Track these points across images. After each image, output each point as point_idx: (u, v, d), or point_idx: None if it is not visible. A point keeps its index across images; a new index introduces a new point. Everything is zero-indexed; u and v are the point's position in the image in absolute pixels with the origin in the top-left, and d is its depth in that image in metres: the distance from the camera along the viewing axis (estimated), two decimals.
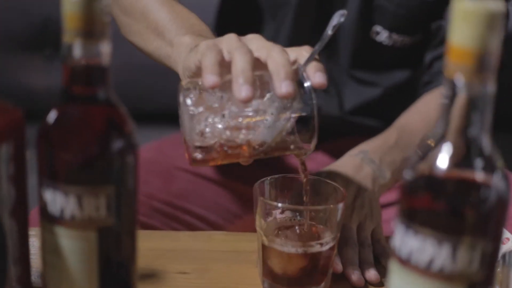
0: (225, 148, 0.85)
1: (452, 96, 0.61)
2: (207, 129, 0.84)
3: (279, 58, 0.85)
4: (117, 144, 0.68)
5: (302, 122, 0.86)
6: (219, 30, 1.40)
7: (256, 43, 0.88)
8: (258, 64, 0.85)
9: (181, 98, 0.85)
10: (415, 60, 1.31)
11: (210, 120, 0.84)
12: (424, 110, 1.22)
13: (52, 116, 0.68)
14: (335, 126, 1.33)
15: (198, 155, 0.86)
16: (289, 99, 0.84)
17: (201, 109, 0.84)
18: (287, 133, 0.86)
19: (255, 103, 0.84)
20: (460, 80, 0.60)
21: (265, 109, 0.85)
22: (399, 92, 1.33)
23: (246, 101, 0.81)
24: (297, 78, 0.86)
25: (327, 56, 1.28)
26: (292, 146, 0.87)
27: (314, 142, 0.87)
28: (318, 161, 1.32)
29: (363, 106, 1.31)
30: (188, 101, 0.84)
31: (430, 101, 1.23)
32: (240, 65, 0.83)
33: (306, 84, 0.86)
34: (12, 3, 1.78)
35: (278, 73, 0.83)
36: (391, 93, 1.32)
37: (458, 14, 0.59)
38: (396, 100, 1.32)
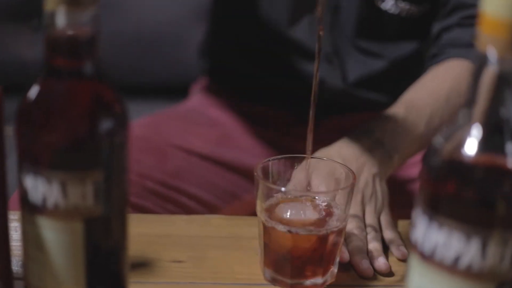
0: None
1: (482, 72, 0.55)
2: None
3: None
4: (106, 124, 0.61)
5: None
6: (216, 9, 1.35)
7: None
8: None
9: None
10: (422, 32, 1.27)
11: None
12: (432, 84, 1.17)
13: (33, 93, 0.61)
14: (338, 99, 1.28)
15: None
16: None
17: None
18: None
19: None
20: (492, 53, 0.54)
21: None
22: (405, 65, 1.28)
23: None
24: None
25: (330, 24, 1.23)
26: None
27: None
28: (320, 138, 1.26)
29: (367, 78, 1.27)
30: None
31: (438, 75, 1.18)
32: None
33: None
34: None
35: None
36: (396, 65, 1.28)
37: None
38: (402, 73, 1.28)
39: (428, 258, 0.57)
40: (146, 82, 1.78)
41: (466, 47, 1.13)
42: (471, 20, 1.15)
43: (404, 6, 1.22)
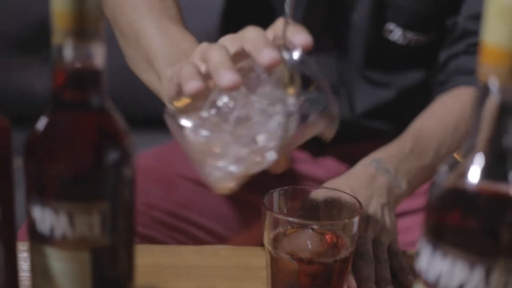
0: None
1: (485, 102, 0.55)
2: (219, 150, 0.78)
3: (253, 35, 0.81)
4: (112, 155, 0.61)
5: (316, 101, 0.81)
6: (225, 29, 1.35)
7: (243, 36, 0.84)
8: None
9: (174, 124, 0.79)
10: (430, 60, 1.27)
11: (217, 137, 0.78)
12: (440, 113, 1.16)
13: (40, 124, 0.62)
14: (345, 129, 1.27)
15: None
16: (287, 81, 0.78)
17: (204, 132, 0.78)
18: (306, 117, 0.80)
19: (257, 105, 0.78)
20: (494, 83, 0.54)
21: (271, 103, 0.78)
22: (413, 94, 1.28)
23: (234, 87, 0.76)
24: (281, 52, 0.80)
25: (338, 55, 1.24)
26: (316, 126, 0.81)
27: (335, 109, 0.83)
28: (328, 168, 1.27)
29: (376, 109, 1.27)
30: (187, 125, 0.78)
31: (446, 103, 1.18)
32: (215, 59, 0.78)
33: (295, 53, 0.80)
34: (7, 4, 1.74)
35: (256, 46, 0.79)
36: (404, 95, 1.28)
37: (493, 10, 0.53)
38: (410, 103, 1.28)
39: (432, 286, 0.57)
40: (153, 113, 1.77)
41: (474, 74, 1.13)
42: (478, 47, 1.15)
43: (412, 36, 1.22)
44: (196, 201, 1.21)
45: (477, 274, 0.55)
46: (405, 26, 1.21)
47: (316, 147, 1.28)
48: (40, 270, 0.63)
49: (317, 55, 1.23)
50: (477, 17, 1.17)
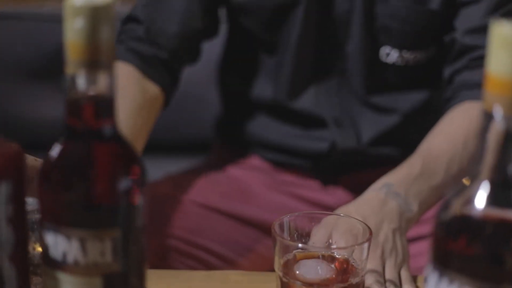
0: None
1: (490, 129, 0.56)
2: None
3: None
4: (124, 184, 0.62)
5: None
6: (224, 68, 1.37)
7: None
8: None
9: None
10: (432, 78, 1.26)
11: None
12: (449, 130, 1.16)
13: (54, 152, 0.63)
14: (353, 158, 1.28)
15: None
16: None
17: None
18: None
19: None
20: (498, 112, 0.55)
21: None
22: (418, 117, 1.28)
23: None
24: None
25: (337, 87, 1.24)
26: None
27: None
28: (338, 197, 1.27)
29: (382, 135, 1.27)
30: None
31: (454, 119, 1.17)
32: None
33: None
34: (23, 32, 1.76)
35: None
36: (409, 118, 1.28)
37: (497, 41, 0.54)
38: (416, 125, 1.28)
39: None
40: (166, 140, 1.79)
41: (479, 88, 1.13)
42: (480, 61, 1.14)
43: (409, 55, 1.22)
44: (207, 227, 1.22)
45: None
46: (400, 47, 1.22)
47: (326, 175, 1.29)
48: None
49: (317, 88, 1.25)
50: (473, 31, 1.16)
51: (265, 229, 1.23)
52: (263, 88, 1.28)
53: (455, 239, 0.57)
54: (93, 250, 0.62)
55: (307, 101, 1.25)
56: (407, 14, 1.19)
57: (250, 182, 1.30)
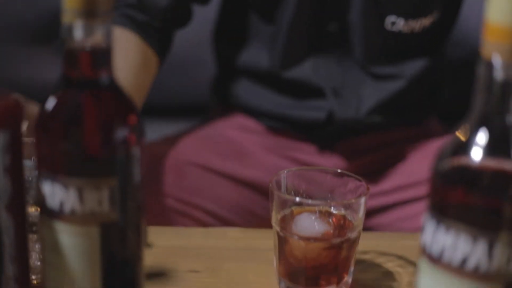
0: None
1: (488, 79, 0.55)
2: None
3: None
4: (121, 132, 0.62)
5: None
6: (219, 34, 1.36)
7: None
8: None
9: None
10: (435, 43, 1.26)
11: None
12: None
13: (50, 103, 0.62)
14: (352, 126, 1.28)
15: None
16: None
17: None
18: None
19: None
20: (497, 60, 0.55)
21: None
22: (420, 82, 1.27)
23: None
24: None
25: (339, 56, 1.23)
26: None
27: None
28: (334, 161, 1.28)
29: (385, 103, 1.26)
30: None
31: None
32: None
33: None
34: None
35: None
36: (412, 84, 1.27)
37: None
38: (418, 91, 1.27)
39: (437, 260, 0.57)
40: (164, 103, 1.79)
41: None
42: None
43: (415, 23, 1.21)
44: (203, 187, 1.22)
45: (480, 247, 0.55)
46: (406, 15, 1.20)
47: (322, 141, 1.29)
48: (50, 245, 0.64)
49: (316, 58, 1.24)
50: None
51: (261, 190, 1.23)
52: (258, 57, 1.27)
53: (453, 188, 0.57)
54: (90, 199, 0.62)
55: (304, 71, 1.24)
56: None
57: (247, 143, 1.30)
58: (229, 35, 1.36)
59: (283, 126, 1.29)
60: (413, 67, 1.26)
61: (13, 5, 1.77)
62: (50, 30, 1.71)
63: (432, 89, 1.29)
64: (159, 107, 1.72)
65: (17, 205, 0.66)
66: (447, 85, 1.36)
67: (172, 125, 1.51)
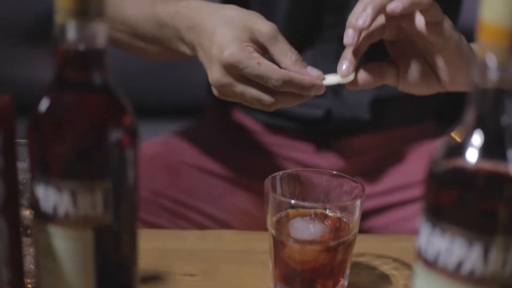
0: None
1: (483, 80, 0.55)
2: None
3: None
4: (115, 134, 0.62)
5: None
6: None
7: None
8: None
9: None
10: None
11: None
12: None
13: (43, 104, 0.62)
14: (349, 125, 1.27)
15: None
16: None
17: None
18: None
19: None
20: (492, 61, 0.54)
21: None
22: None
23: None
24: None
25: (338, 52, 1.22)
26: None
27: None
28: (330, 160, 1.27)
29: (381, 103, 1.25)
30: None
31: None
32: None
33: None
34: None
35: None
36: None
37: None
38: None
39: (432, 264, 0.57)
40: (159, 102, 1.79)
41: None
42: None
43: None
44: (200, 189, 1.22)
45: (475, 251, 0.55)
46: None
47: (319, 140, 1.28)
48: (43, 249, 0.64)
49: (313, 54, 1.23)
50: None
51: (257, 191, 1.23)
52: None
53: (448, 191, 0.57)
54: (84, 202, 0.62)
55: None
56: None
57: (243, 143, 1.30)
58: None
59: (280, 123, 1.29)
60: None
61: (8, 4, 1.77)
62: (45, 29, 1.71)
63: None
64: (154, 107, 1.71)
65: (11, 209, 0.66)
66: None
67: (168, 125, 1.51)
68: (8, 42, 1.77)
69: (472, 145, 0.56)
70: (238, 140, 1.30)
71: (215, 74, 0.91)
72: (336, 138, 1.27)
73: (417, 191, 1.19)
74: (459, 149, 0.56)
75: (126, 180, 0.64)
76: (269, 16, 1.22)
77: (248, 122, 1.31)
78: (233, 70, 0.89)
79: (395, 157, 1.28)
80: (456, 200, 0.57)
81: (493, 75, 0.55)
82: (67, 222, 0.62)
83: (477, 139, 0.56)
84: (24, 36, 1.77)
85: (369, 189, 1.23)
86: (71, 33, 0.60)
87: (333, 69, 1.22)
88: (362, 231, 0.90)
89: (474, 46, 0.97)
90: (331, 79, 0.92)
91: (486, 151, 0.56)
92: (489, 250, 0.55)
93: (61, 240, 0.63)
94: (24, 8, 1.75)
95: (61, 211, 0.62)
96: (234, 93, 0.90)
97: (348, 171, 1.13)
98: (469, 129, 0.56)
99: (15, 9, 1.76)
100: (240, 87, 0.90)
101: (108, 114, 0.63)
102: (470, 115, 0.56)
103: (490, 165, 0.56)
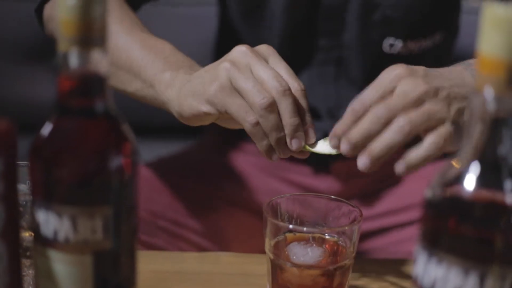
0: None
1: (481, 111, 0.56)
2: None
3: None
4: (116, 161, 0.62)
5: None
6: (217, 52, 1.36)
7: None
8: None
9: None
10: (436, 66, 1.25)
11: None
12: None
13: (45, 130, 0.63)
14: None
15: None
16: None
17: None
18: None
19: None
20: (490, 93, 0.55)
21: None
22: None
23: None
24: None
25: (335, 75, 1.22)
26: None
27: None
28: (329, 183, 1.27)
29: None
30: None
31: None
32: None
33: None
34: (17, 12, 1.75)
35: None
36: None
37: (488, 20, 0.54)
38: None
39: None
40: (159, 123, 1.79)
41: None
42: None
43: (415, 44, 1.20)
44: (198, 209, 1.22)
45: (472, 280, 0.55)
46: (405, 37, 1.19)
47: (317, 162, 1.28)
48: (43, 273, 0.64)
49: (310, 77, 1.23)
50: None
51: (256, 212, 1.23)
52: None
53: (444, 220, 0.57)
54: (84, 227, 0.62)
55: None
56: (411, 2, 1.17)
57: (242, 165, 1.30)
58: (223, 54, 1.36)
59: None
60: None
61: (9, 22, 1.77)
62: (45, 48, 1.71)
63: None
64: (153, 127, 1.72)
65: (11, 232, 0.66)
66: None
67: (166, 145, 1.51)
68: (10, 62, 1.78)
69: (469, 175, 0.56)
70: (236, 162, 1.31)
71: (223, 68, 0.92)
72: (333, 160, 1.28)
73: (415, 213, 1.20)
74: (456, 178, 0.57)
75: (126, 205, 0.64)
76: (264, 38, 1.23)
77: (247, 144, 1.32)
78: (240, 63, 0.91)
79: (392, 179, 1.29)
80: (453, 229, 0.57)
81: (490, 106, 0.55)
82: (67, 247, 0.63)
83: (474, 168, 0.56)
84: (26, 55, 1.77)
85: (367, 211, 1.23)
86: (73, 60, 0.61)
87: (329, 91, 1.23)
88: (359, 252, 0.90)
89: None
90: (321, 148, 0.90)
91: (483, 180, 0.56)
92: (485, 280, 0.55)
93: (61, 264, 0.63)
94: (25, 28, 1.75)
95: (61, 235, 0.62)
96: (234, 94, 0.89)
97: (346, 193, 1.14)
98: (467, 159, 0.57)
99: (17, 29, 1.76)
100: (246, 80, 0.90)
101: (109, 141, 0.63)
102: (468, 144, 0.57)
103: (487, 195, 0.56)
